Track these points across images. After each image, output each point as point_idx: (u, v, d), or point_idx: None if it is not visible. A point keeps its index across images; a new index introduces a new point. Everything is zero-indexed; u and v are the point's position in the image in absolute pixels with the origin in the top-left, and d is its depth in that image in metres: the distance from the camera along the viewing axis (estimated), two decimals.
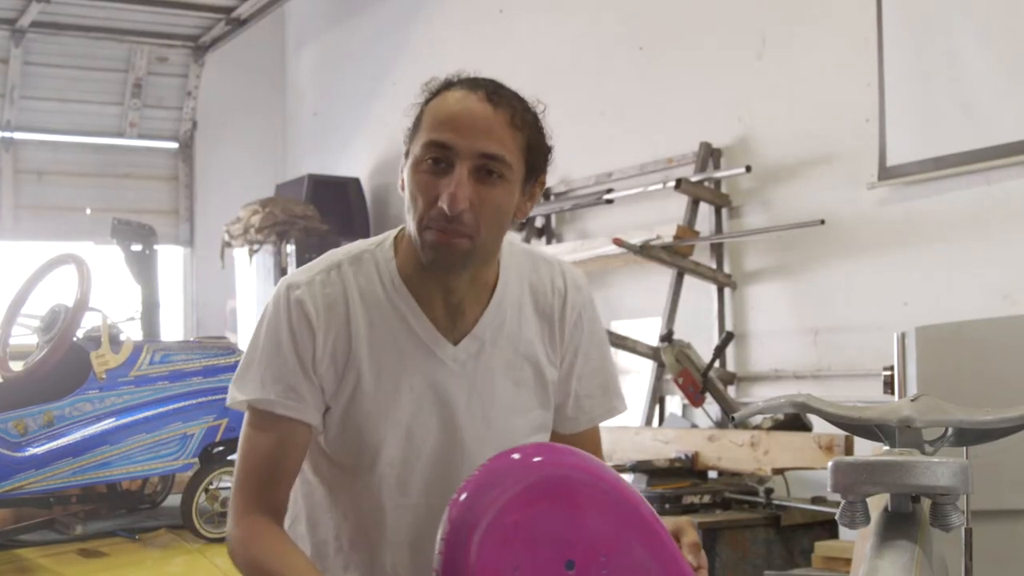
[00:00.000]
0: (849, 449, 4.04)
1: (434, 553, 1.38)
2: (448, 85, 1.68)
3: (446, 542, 1.36)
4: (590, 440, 1.88)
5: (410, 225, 1.67)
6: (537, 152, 1.70)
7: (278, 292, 1.73)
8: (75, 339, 3.93)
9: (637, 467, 4.69)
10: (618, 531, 1.40)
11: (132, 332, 4.23)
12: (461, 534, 1.35)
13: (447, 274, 1.69)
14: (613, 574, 1.39)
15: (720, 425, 5.03)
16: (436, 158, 1.62)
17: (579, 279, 1.86)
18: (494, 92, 1.66)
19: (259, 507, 1.68)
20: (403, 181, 1.69)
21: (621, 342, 5.55)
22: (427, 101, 1.68)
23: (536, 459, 1.42)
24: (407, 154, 1.68)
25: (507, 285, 1.78)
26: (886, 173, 4.67)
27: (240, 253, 8.48)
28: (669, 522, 1.52)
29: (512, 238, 1.84)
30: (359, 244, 1.80)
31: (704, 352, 4.92)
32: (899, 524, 1.83)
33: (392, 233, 1.78)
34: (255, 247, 8.19)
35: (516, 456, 1.43)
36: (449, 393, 1.73)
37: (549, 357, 1.81)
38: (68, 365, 3.87)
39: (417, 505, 1.75)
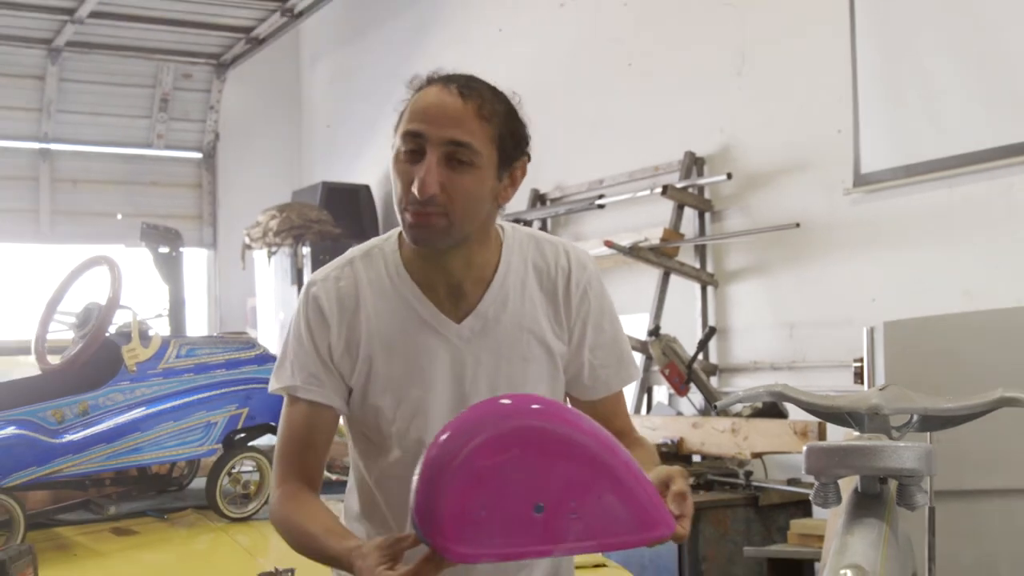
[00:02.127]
0: (822, 435, 4.04)
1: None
2: (428, 82, 1.71)
3: (420, 479, 1.35)
4: (612, 406, 1.87)
5: (396, 212, 1.69)
6: (510, 140, 1.71)
7: (302, 291, 1.80)
8: (108, 335, 3.93)
9: None
10: (589, 479, 1.37)
11: (160, 328, 4.22)
12: (433, 473, 1.33)
13: (435, 253, 1.70)
14: (583, 519, 1.36)
15: (703, 413, 5.04)
16: (411, 148, 1.64)
17: (583, 257, 1.84)
18: (465, 85, 1.68)
19: (293, 476, 1.75)
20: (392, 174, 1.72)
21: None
22: (411, 98, 1.71)
23: (514, 409, 1.39)
24: (393, 146, 1.71)
25: (509, 266, 1.78)
26: (859, 180, 4.67)
27: (259, 255, 8.47)
28: (661, 471, 1.50)
29: (516, 224, 1.86)
30: (371, 241, 1.83)
31: (688, 345, 4.92)
32: (868, 504, 1.84)
33: (398, 229, 1.79)
34: (273, 249, 8.19)
35: (495, 405, 1.41)
36: (456, 369, 1.75)
37: (556, 332, 1.80)
38: (101, 359, 3.88)
39: None
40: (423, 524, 1.35)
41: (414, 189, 1.62)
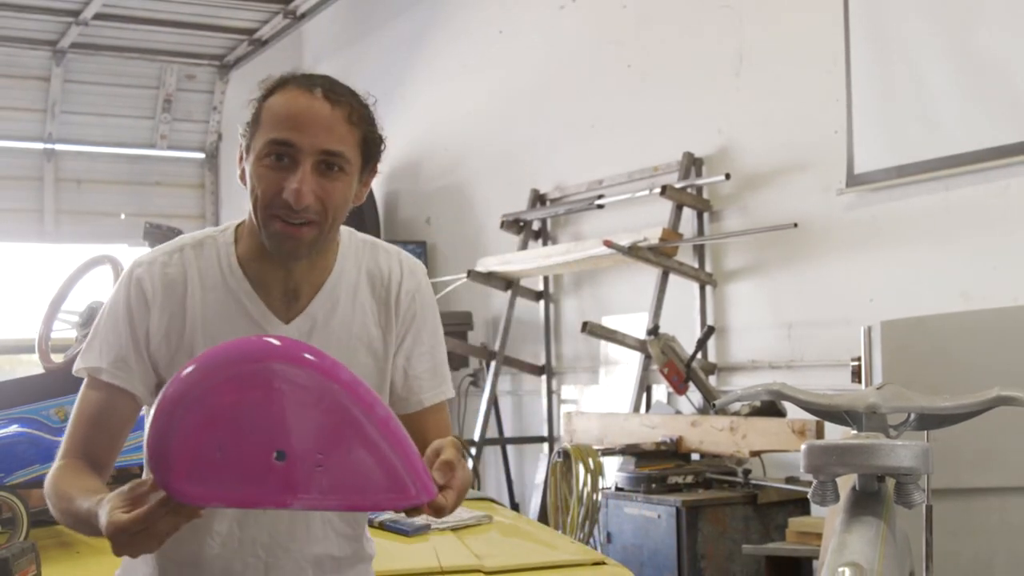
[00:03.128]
0: (820, 433, 4.04)
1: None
2: (284, 83, 1.67)
3: (155, 414, 1.28)
4: (432, 424, 1.78)
5: (253, 215, 1.63)
6: (371, 144, 1.68)
7: (124, 271, 1.72)
8: None
9: (626, 450, 4.69)
10: (339, 432, 1.28)
11: None
12: (169, 407, 1.26)
13: (288, 261, 1.65)
14: (329, 473, 1.28)
15: (702, 412, 5.03)
16: (279, 154, 1.59)
17: (416, 267, 1.80)
18: (330, 90, 1.64)
19: (78, 452, 1.66)
20: (243, 173, 1.65)
21: (611, 335, 5.55)
22: (264, 98, 1.65)
23: (261, 350, 1.30)
24: (248, 148, 1.65)
25: (342, 271, 1.73)
26: (854, 180, 4.66)
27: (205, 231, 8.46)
28: (436, 442, 1.44)
29: (353, 229, 1.80)
30: (205, 231, 1.77)
31: (687, 344, 4.92)
32: (866, 502, 1.83)
33: (235, 222, 1.75)
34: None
35: (250, 342, 1.33)
36: None
37: (385, 340, 1.75)
38: None
39: None
40: (154, 461, 1.28)
41: (288, 198, 1.56)
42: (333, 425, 1.28)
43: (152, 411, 1.30)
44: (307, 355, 1.30)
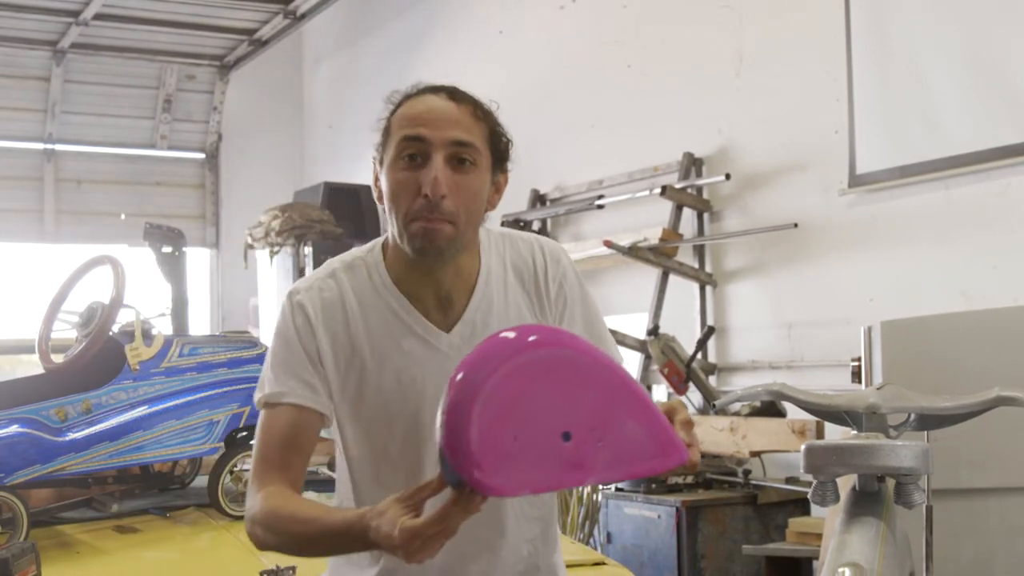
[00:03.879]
0: (820, 433, 4.04)
1: (436, 430, 1.33)
2: (409, 95, 1.69)
3: (447, 416, 1.31)
4: None
5: (394, 225, 1.66)
6: (499, 141, 1.70)
7: (284, 301, 1.75)
8: (111, 333, 3.92)
9: None
10: (611, 406, 1.35)
11: (163, 327, 4.21)
12: (461, 408, 1.30)
13: (434, 264, 1.67)
14: (609, 445, 1.34)
15: (702, 412, 5.03)
16: (412, 154, 1.62)
17: (557, 251, 1.83)
18: (454, 91, 1.68)
19: (276, 479, 1.65)
20: (379, 190, 1.68)
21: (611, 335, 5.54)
22: (393, 112, 1.69)
23: (531, 338, 1.36)
24: (381, 162, 1.67)
25: (490, 269, 1.76)
26: (855, 180, 4.66)
27: (262, 254, 8.47)
28: (663, 404, 1.48)
29: (489, 225, 1.82)
30: (352, 252, 1.79)
31: (687, 345, 4.91)
32: (866, 502, 1.83)
33: (378, 241, 1.77)
34: (275, 249, 8.18)
35: (511, 335, 1.37)
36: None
37: (555, 324, 1.79)
38: (104, 357, 3.87)
39: None
40: (455, 459, 1.30)
41: (425, 190, 1.59)
42: (605, 400, 1.35)
43: (442, 413, 1.32)
44: (567, 337, 1.39)
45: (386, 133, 1.67)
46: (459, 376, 1.33)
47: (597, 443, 1.33)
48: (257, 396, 1.71)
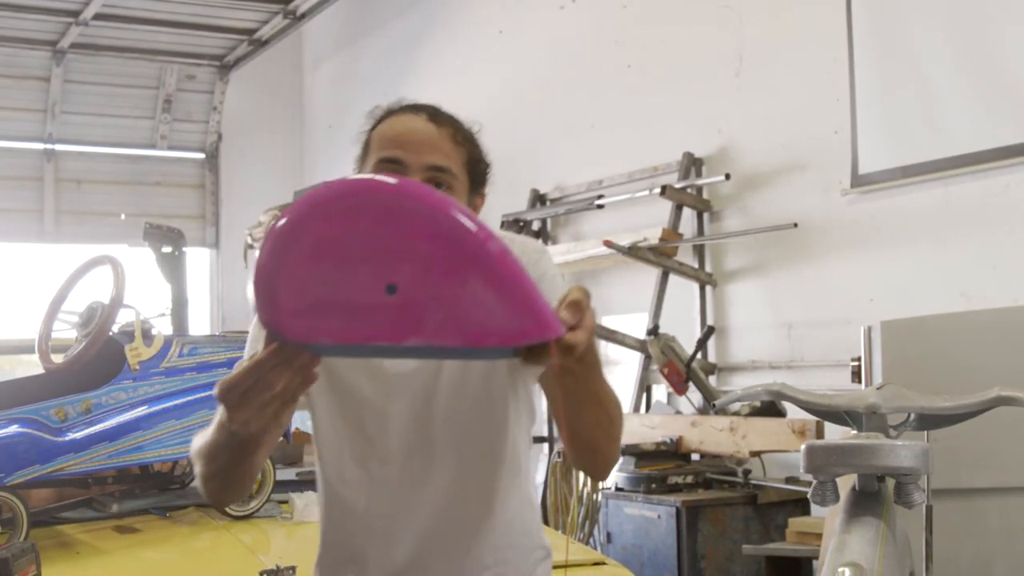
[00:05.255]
0: (820, 433, 4.04)
1: None
2: (390, 112, 1.67)
3: (262, 250, 1.22)
4: None
5: None
6: (477, 165, 1.68)
7: None
8: (111, 333, 3.92)
9: (626, 450, 4.69)
10: (454, 263, 1.19)
11: (163, 327, 4.22)
12: (275, 243, 1.21)
13: None
14: (444, 306, 1.20)
15: (702, 412, 5.03)
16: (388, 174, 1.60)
17: (537, 250, 1.73)
18: (435, 113, 1.65)
19: None
20: None
21: (611, 335, 5.55)
22: (372, 128, 1.67)
23: (372, 181, 1.23)
24: None
25: None
26: (858, 181, 4.66)
27: None
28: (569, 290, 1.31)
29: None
30: None
31: (687, 345, 4.92)
32: (866, 502, 1.83)
33: None
34: None
35: (354, 180, 1.25)
36: (423, 374, 1.66)
37: None
38: (104, 357, 3.87)
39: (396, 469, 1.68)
40: (260, 299, 1.23)
41: None
42: (444, 256, 1.20)
43: (260, 247, 1.24)
44: (416, 186, 1.24)
45: (365, 149, 1.66)
46: (280, 221, 1.24)
47: (427, 300, 1.20)
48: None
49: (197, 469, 1.56)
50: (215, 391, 1.29)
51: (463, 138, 1.66)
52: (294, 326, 1.23)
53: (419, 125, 1.62)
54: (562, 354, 1.22)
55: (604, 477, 1.63)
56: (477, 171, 1.67)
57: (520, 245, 1.74)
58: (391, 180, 1.25)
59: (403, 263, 1.21)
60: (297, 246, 1.21)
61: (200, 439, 1.54)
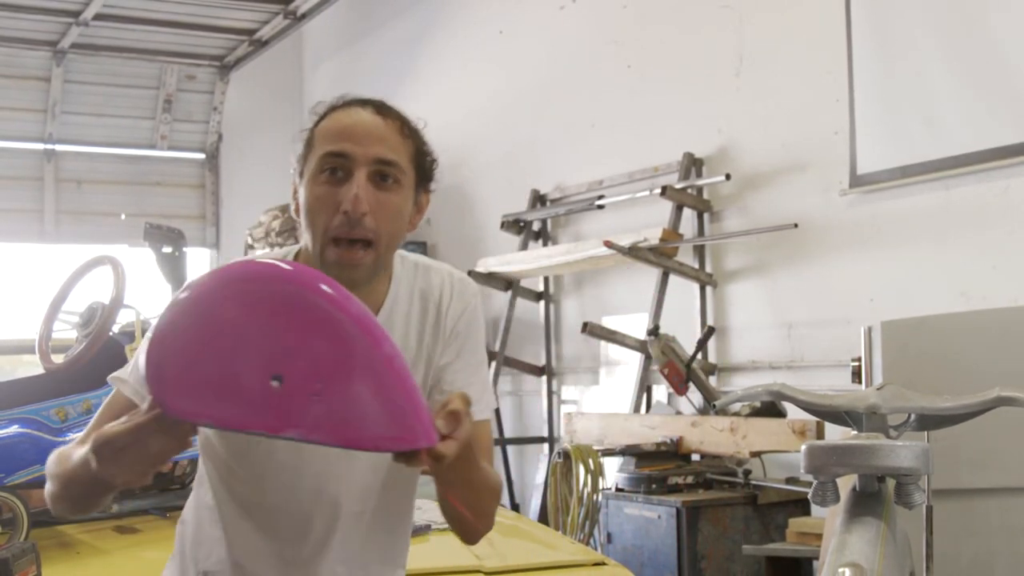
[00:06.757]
0: (820, 434, 4.04)
1: None
2: (335, 107, 1.65)
3: (156, 324, 1.26)
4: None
5: (311, 241, 1.58)
6: (424, 159, 1.65)
7: (175, 295, 1.69)
8: (111, 334, 3.92)
9: (626, 451, 4.69)
10: (341, 362, 1.22)
11: None
12: (165, 323, 1.24)
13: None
14: (326, 403, 1.21)
15: (702, 412, 5.03)
16: (333, 168, 1.56)
17: (465, 289, 1.73)
18: (382, 106, 1.63)
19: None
20: (297, 204, 1.62)
21: (611, 336, 5.55)
22: (316, 124, 1.64)
23: (269, 271, 1.25)
24: (301, 174, 1.62)
25: (396, 298, 1.67)
26: (857, 181, 4.66)
27: (262, 255, 8.47)
28: (449, 396, 1.35)
29: (405, 252, 1.74)
30: (267, 253, 1.75)
31: (687, 345, 4.91)
32: (866, 502, 1.83)
33: (294, 249, 1.70)
34: (275, 249, 8.19)
35: (253, 265, 1.28)
36: None
37: (431, 360, 1.70)
38: (105, 358, 3.86)
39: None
40: (150, 369, 1.25)
41: (345, 207, 1.52)
42: (334, 355, 1.22)
43: (155, 322, 1.27)
44: (319, 282, 1.25)
45: (308, 145, 1.62)
46: (182, 292, 1.27)
47: (310, 396, 1.22)
48: (115, 374, 1.66)
49: (48, 486, 1.55)
50: (90, 443, 1.31)
51: (410, 131, 1.63)
52: (177, 404, 1.25)
53: (366, 118, 1.59)
54: (432, 460, 1.27)
55: (472, 543, 1.68)
56: (424, 165, 1.65)
57: (460, 284, 1.74)
58: (298, 271, 1.26)
59: (293, 356, 1.22)
60: (195, 321, 1.23)
61: (59, 461, 1.52)
